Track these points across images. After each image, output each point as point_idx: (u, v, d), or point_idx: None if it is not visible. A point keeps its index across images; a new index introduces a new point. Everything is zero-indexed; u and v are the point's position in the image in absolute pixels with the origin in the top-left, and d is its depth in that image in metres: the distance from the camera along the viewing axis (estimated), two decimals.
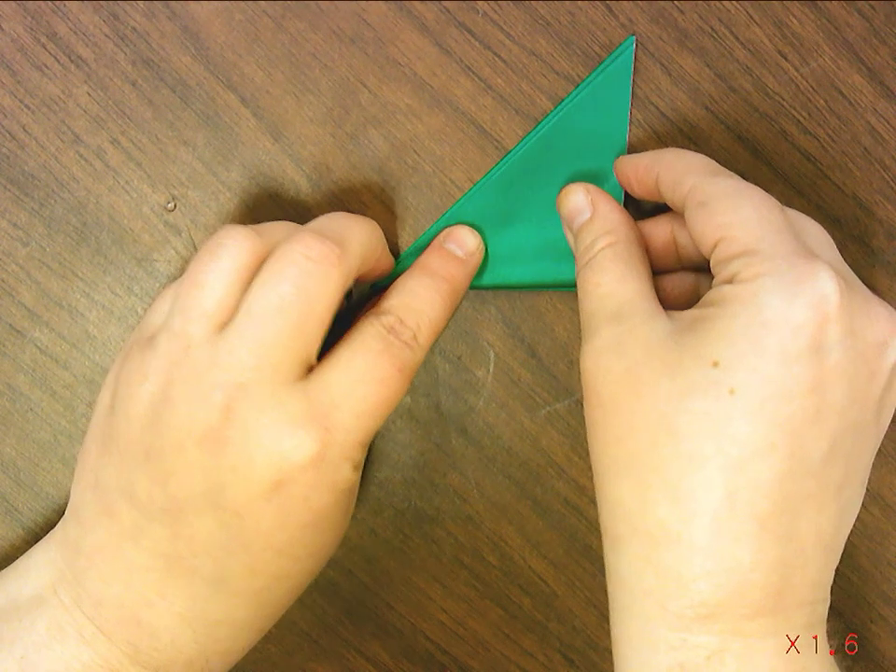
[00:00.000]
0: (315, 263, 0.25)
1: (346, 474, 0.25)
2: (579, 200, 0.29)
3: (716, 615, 0.24)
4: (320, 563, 0.28)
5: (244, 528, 0.24)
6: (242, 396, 0.24)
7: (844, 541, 0.26)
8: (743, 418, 0.23)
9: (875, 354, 0.24)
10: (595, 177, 0.30)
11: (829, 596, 0.26)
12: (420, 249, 0.31)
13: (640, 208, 0.31)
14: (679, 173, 0.27)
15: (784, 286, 0.23)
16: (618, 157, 0.30)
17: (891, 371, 0.25)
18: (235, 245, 0.25)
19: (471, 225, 0.31)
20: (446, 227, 0.31)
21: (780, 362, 0.23)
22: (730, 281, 0.25)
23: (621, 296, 0.27)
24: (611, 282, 0.27)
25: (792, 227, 0.25)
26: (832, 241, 0.27)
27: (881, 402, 0.25)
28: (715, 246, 0.25)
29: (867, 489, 0.33)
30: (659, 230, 0.30)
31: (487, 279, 0.31)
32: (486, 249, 0.31)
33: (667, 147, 0.31)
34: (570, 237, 0.30)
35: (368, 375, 0.26)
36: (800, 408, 0.23)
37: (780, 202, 0.31)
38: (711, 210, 0.25)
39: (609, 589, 0.27)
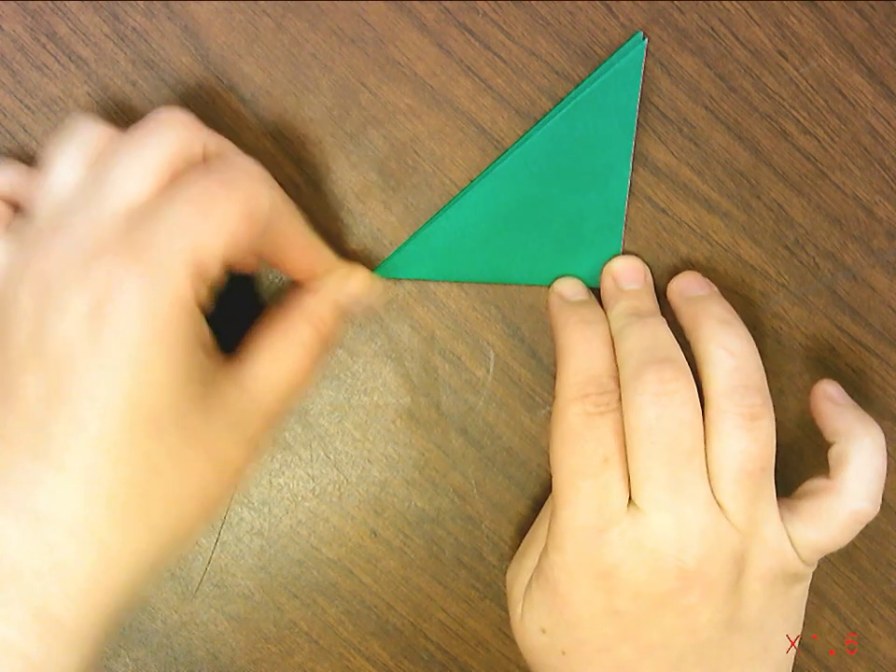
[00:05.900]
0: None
1: (166, 297, 0.23)
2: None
3: None
4: (157, 451, 0.24)
5: (61, 375, 0.23)
6: (65, 233, 0.24)
7: None
8: None
9: None
10: (598, 175, 0.30)
11: None
12: (417, 246, 0.31)
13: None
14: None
15: None
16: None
17: None
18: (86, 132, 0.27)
19: (469, 220, 0.31)
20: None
21: None
22: None
23: None
24: None
25: None
26: None
27: None
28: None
29: None
30: None
31: (484, 274, 0.31)
32: (484, 244, 0.31)
33: (667, 146, 0.31)
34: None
35: (185, 195, 0.24)
36: None
37: (780, 201, 0.32)
38: None
39: None
